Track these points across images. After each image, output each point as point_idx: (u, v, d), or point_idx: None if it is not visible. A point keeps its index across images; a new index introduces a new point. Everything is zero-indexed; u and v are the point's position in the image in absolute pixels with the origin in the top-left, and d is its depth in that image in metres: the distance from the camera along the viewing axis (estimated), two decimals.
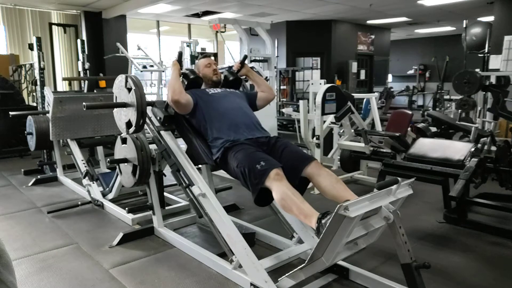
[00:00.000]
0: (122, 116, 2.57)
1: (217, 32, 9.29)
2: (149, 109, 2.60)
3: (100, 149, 4.63)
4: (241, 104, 2.55)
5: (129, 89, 2.44)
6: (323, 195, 2.07)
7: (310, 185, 2.22)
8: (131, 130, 2.49)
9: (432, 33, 12.41)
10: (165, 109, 2.59)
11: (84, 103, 2.47)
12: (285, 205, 1.93)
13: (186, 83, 2.61)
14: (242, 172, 2.11)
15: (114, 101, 2.64)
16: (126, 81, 2.47)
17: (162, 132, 2.59)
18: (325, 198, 2.05)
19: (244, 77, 2.88)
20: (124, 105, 2.51)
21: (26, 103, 6.51)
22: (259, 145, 2.30)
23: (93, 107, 2.62)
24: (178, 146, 2.54)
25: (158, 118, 2.63)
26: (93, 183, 3.66)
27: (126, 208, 2.98)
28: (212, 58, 2.87)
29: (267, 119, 4.29)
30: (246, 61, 2.92)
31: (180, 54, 2.76)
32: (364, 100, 5.78)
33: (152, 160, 2.72)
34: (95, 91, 5.89)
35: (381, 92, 10.00)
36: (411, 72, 13.98)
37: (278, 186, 1.94)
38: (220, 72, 2.78)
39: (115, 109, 2.65)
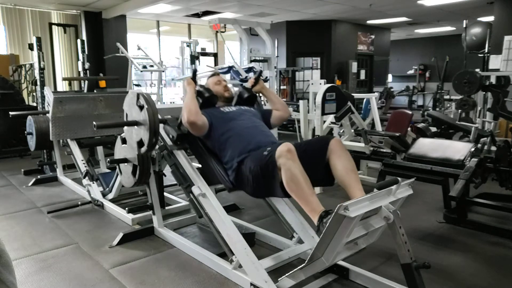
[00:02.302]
0: (133, 135, 2.46)
1: (217, 32, 9.29)
2: (160, 127, 2.50)
3: (100, 149, 4.63)
4: (256, 122, 2.44)
5: (141, 107, 2.35)
6: (334, 177, 2.01)
7: None
8: (143, 149, 2.40)
9: (432, 33, 12.42)
10: (178, 128, 2.48)
11: (94, 123, 2.38)
12: (293, 189, 1.83)
13: (200, 101, 2.49)
14: (254, 173, 2.03)
15: (125, 118, 2.54)
16: (138, 98, 2.37)
17: (175, 152, 2.49)
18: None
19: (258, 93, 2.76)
20: (135, 123, 2.40)
21: (26, 103, 6.51)
22: None
23: (104, 127, 2.48)
24: (193, 168, 2.44)
25: (171, 136, 2.53)
26: (93, 183, 3.66)
27: (126, 208, 2.98)
28: (221, 75, 2.77)
29: None
30: (261, 76, 2.78)
31: (195, 72, 2.65)
32: (364, 100, 5.78)
33: (152, 160, 2.72)
34: (95, 91, 5.89)
35: (381, 92, 10.01)
36: (411, 72, 13.98)
37: (289, 165, 1.82)
38: (231, 88, 2.69)
39: (125, 127, 2.55)
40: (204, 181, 2.37)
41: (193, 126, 2.29)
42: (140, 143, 2.42)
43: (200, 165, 2.56)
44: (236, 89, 2.77)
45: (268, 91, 2.77)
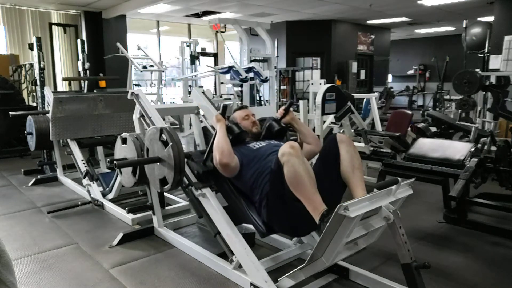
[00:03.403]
0: (156, 172, 2.34)
1: (217, 32, 9.31)
2: None
3: (100, 149, 4.63)
4: None
5: (164, 142, 2.25)
6: (340, 170, 1.95)
7: None
8: (167, 187, 2.29)
9: (432, 33, 12.42)
10: (204, 164, 2.34)
11: (115, 162, 2.30)
12: (295, 187, 1.77)
13: (230, 137, 2.27)
14: (272, 188, 1.95)
15: (145, 153, 2.44)
16: (161, 133, 2.26)
17: (199, 191, 2.30)
18: None
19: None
20: (158, 160, 2.29)
21: (26, 103, 6.51)
22: None
23: (125, 165, 2.37)
24: (209, 191, 2.32)
25: (196, 173, 2.37)
26: (93, 183, 3.66)
27: (126, 208, 2.98)
28: (249, 109, 2.60)
29: None
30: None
31: (225, 108, 2.43)
32: (364, 100, 5.78)
33: None
34: (95, 91, 5.89)
35: (381, 92, 10.01)
36: (411, 72, 13.98)
37: (293, 162, 1.76)
38: (258, 122, 2.52)
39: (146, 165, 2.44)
40: (232, 222, 2.22)
41: (225, 168, 2.13)
42: (163, 181, 2.31)
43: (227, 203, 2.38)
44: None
45: (299, 123, 2.55)
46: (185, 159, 2.32)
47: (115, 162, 2.31)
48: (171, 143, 2.21)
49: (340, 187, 2.00)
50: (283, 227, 2.08)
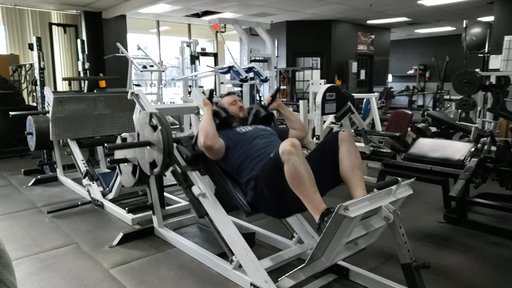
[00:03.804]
0: (146, 155, 2.39)
1: (217, 32, 9.30)
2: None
3: (100, 149, 4.63)
4: (275, 142, 2.30)
5: (154, 127, 2.30)
6: (339, 168, 1.96)
7: None
8: (156, 170, 2.34)
9: (432, 33, 12.42)
10: (192, 148, 2.41)
11: (106, 145, 2.32)
12: (295, 185, 1.79)
13: (217, 122, 2.36)
14: (265, 178, 1.98)
15: (136, 137, 2.48)
16: (151, 118, 2.32)
17: (188, 172, 2.40)
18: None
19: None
20: (148, 144, 2.34)
21: (26, 103, 6.51)
22: None
23: (116, 148, 2.41)
24: (197, 174, 2.39)
25: (185, 156, 2.44)
26: (93, 183, 3.66)
27: (126, 208, 2.98)
28: (236, 93, 2.68)
29: None
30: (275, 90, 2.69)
31: (211, 92, 2.55)
32: (364, 100, 5.78)
33: None
34: (95, 91, 5.89)
35: (381, 92, 10.02)
36: (411, 72, 13.98)
37: (293, 160, 1.77)
38: (245, 107, 2.60)
39: (137, 148, 2.48)
40: (221, 205, 2.28)
41: (210, 150, 2.19)
42: (152, 164, 2.35)
43: (215, 186, 2.47)
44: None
45: (286, 109, 2.66)
46: (175, 144, 2.39)
47: (105, 144, 2.35)
48: (160, 127, 2.26)
49: (328, 184, 2.01)
50: (268, 210, 2.14)
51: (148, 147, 2.36)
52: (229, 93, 2.70)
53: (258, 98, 6.06)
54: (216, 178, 2.35)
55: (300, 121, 2.66)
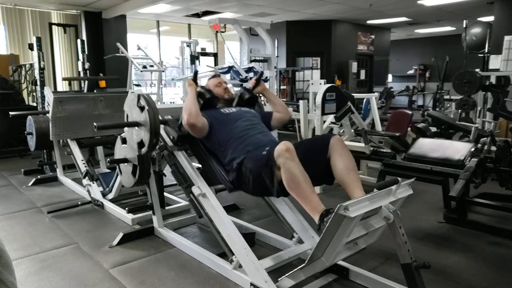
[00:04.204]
0: (134, 136, 2.46)
1: (217, 32, 9.29)
2: (161, 128, 2.48)
3: (100, 149, 4.63)
4: (257, 124, 2.42)
5: (141, 108, 2.35)
6: (334, 175, 2.00)
7: None
8: (143, 150, 2.40)
9: (432, 33, 12.42)
10: (179, 128, 2.48)
11: (94, 124, 2.38)
12: (293, 188, 1.83)
13: (201, 102, 2.48)
14: (254, 173, 2.03)
15: (125, 119, 2.54)
16: (138, 99, 2.37)
17: (175, 152, 2.48)
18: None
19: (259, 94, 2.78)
20: (136, 124, 2.41)
21: (26, 103, 6.51)
22: None
23: (104, 128, 2.51)
24: (193, 168, 2.44)
25: (171, 137, 2.52)
26: (93, 183, 3.66)
27: (126, 208, 2.98)
28: (221, 76, 2.78)
29: None
30: (262, 77, 2.77)
31: (196, 73, 2.65)
32: (364, 100, 5.78)
33: (152, 160, 2.72)
34: (95, 91, 5.89)
35: (381, 92, 10.02)
36: (411, 72, 13.99)
37: (289, 165, 1.82)
38: (231, 89, 2.69)
39: (126, 128, 2.56)
40: (205, 181, 2.36)
41: (192, 128, 2.29)
42: (140, 144, 2.41)
43: (200, 165, 2.56)
44: (236, 89, 2.77)
45: (269, 93, 2.76)
46: (162, 125, 2.50)
47: (95, 124, 2.40)
48: (147, 108, 2.31)
49: (318, 180, 2.07)
50: (248, 191, 2.21)
51: (136, 127, 2.43)
52: (214, 76, 2.78)
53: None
54: (201, 157, 2.46)
55: (283, 104, 2.75)
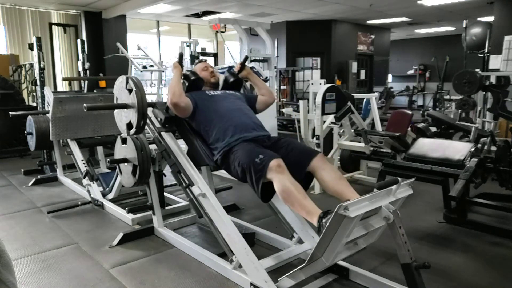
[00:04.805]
0: (123, 117, 2.53)
1: (217, 32, 9.28)
2: (150, 110, 2.58)
3: (100, 149, 4.63)
4: (241, 106, 2.54)
5: (130, 90, 2.42)
6: (325, 190, 2.09)
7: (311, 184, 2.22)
8: (132, 131, 2.46)
9: (432, 33, 12.41)
10: (166, 111, 2.57)
11: (84, 104, 2.42)
12: (286, 199, 1.93)
13: (187, 84, 2.61)
14: (243, 169, 2.11)
15: (115, 102, 2.60)
16: (127, 82, 2.44)
17: (162, 133, 2.56)
18: (325, 198, 2.07)
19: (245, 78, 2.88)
20: (125, 106, 2.47)
21: (26, 103, 6.51)
22: (260, 143, 2.30)
23: (94, 108, 2.59)
24: (179, 147, 2.53)
25: (159, 119, 2.60)
26: (93, 183, 3.66)
27: (126, 208, 2.99)
28: (207, 60, 2.88)
29: (267, 119, 4.28)
30: (246, 62, 2.89)
31: (181, 55, 2.74)
32: (364, 100, 5.78)
33: (152, 160, 2.72)
34: (95, 91, 5.89)
35: (381, 92, 10.00)
36: (411, 72, 13.98)
37: (280, 178, 1.93)
38: (218, 74, 2.79)
39: (115, 110, 2.63)
40: (192, 162, 2.44)
41: (176, 107, 2.39)
42: (129, 125, 2.48)
43: (187, 147, 2.63)
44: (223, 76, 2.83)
45: (254, 76, 2.85)
46: (150, 108, 2.59)
47: (84, 105, 2.43)
48: (135, 89, 2.37)
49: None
50: (232, 175, 2.31)
51: (125, 109, 2.49)
52: (200, 61, 2.89)
53: None
54: (187, 137, 2.55)
55: (268, 88, 2.88)
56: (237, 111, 2.46)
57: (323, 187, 2.09)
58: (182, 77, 2.61)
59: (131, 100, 2.41)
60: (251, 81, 2.85)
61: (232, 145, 2.27)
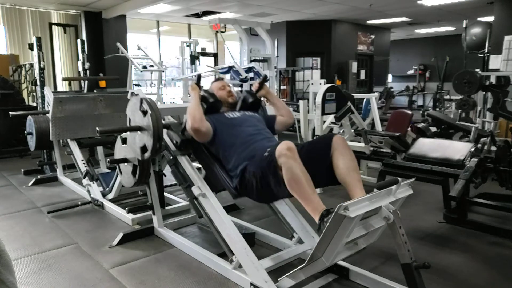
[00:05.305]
0: (137, 140, 2.44)
1: (217, 32, 9.29)
2: (164, 132, 2.46)
3: (100, 149, 4.63)
4: (260, 128, 2.41)
5: (144, 112, 2.33)
6: (335, 173, 1.98)
7: None
8: (147, 155, 2.38)
9: (432, 33, 12.42)
10: (182, 133, 2.45)
11: (97, 129, 2.33)
12: (293, 187, 1.82)
13: (205, 107, 2.45)
14: (258, 175, 2.01)
15: (128, 123, 2.52)
16: (141, 103, 2.36)
17: (178, 157, 2.45)
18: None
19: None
20: (138, 128, 2.39)
21: (26, 103, 6.51)
22: None
23: (107, 132, 2.46)
24: (193, 168, 2.43)
25: (174, 142, 2.49)
26: (93, 183, 3.66)
27: (126, 208, 2.99)
28: (224, 78, 2.73)
29: None
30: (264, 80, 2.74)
31: (199, 77, 2.65)
32: (364, 100, 5.78)
33: (152, 160, 2.72)
34: (95, 91, 5.89)
35: (381, 92, 10.01)
36: (411, 72, 13.99)
37: (290, 164, 1.81)
38: (235, 93, 2.66)
39: (128, 132, 2.54)
40: (208, 187, 2.33)
41: (197, 133, 2.26)
42: (143, 149, 2.39)
43: (199, 165, 2.55)
44: (238, 89, 2.74)
45: (273, 96, 2.73)
46: (165, 130, 2.46)
47: (97, 129, 2.34)
48: (150, 112, 2.29)
49: (319, 181, 2.03)
50: (253, 197, 2.20)
51: (139, 132, 2.40)
52: (218, 79, 2.77)
53: None
54: (205, 162, 2.44)
55: (288, 108, 2.72)
56: (258, 135, 2.33)
57: (335, 172, 1.97)
58: (200, 99, 2.46)
59: (146, 122, 2.32)
60: (270, 101, 2.70)
61: (246, 164, 2.14)
